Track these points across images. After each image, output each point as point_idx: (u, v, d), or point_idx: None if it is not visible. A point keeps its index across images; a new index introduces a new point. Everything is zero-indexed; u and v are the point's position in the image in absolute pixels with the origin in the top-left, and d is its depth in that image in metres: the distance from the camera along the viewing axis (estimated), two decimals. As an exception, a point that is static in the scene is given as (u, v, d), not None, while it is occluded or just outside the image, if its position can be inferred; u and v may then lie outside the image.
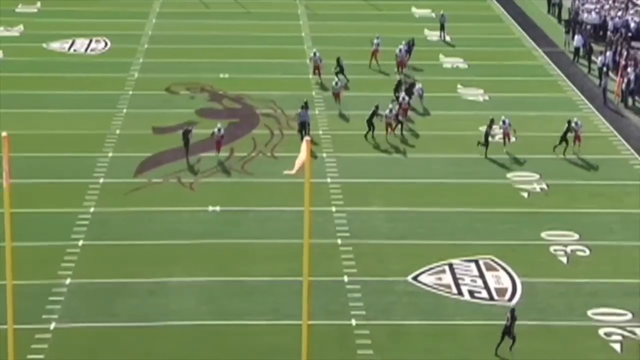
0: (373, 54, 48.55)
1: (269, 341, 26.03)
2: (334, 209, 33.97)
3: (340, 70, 45.88)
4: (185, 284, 28.86)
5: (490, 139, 38.38)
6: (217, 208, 33.81)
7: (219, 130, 37.59)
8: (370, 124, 39.50)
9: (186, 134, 37.51)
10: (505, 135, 38.82)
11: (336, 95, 42.66)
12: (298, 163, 20.26)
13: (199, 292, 28.49)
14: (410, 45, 48.95)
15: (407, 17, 58.31)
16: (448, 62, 50.22)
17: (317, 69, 46.28)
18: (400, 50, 47.77)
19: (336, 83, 43.32)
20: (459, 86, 46.59)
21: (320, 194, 33.82)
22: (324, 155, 38.46)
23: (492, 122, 39.00)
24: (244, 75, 47.42)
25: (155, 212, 33.48)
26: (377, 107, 39.64)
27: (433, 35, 54.11)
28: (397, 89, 43.34)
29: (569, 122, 38.57)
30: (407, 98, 41.33)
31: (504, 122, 38.85)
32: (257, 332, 26.49)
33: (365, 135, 39.50)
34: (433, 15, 57.92)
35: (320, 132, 40.50)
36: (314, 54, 46.67)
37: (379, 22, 56.50)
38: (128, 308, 27.45)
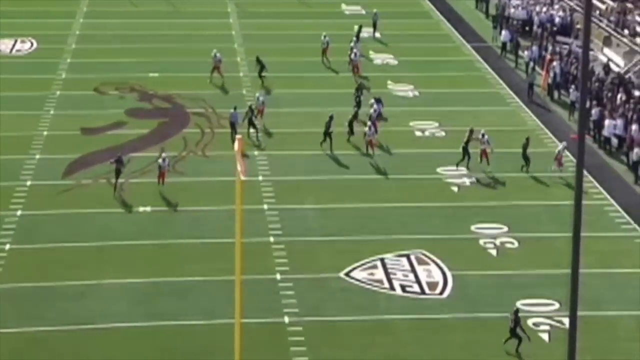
0: (323, 52, 48.59)
1: (202, 341, 26.01)
2: (266, 206, 34.04)
3: (261, 69, 45.71)
4: (116, 286, 28.67)
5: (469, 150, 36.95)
6: (148, 208, 33.63)
7: (164, 160, 35.09)
8: (327, 134, 38.50)
9: (118, 163, 34.81)
10: (483, 152, 36.91)
11: (260, 111, 41.00)
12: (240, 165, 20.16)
13: (131, 293, 28.33)
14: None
15: (337, 15, 58.52)
16: (378, 58, 50.55)
17: (216, 68, 45.61)
18: (355, 54, 47.54)
19: (261, 102, 41.29)
20: (389, 82, 46.95)
21: (252, 192, 33.75)
22: (256, 153, 38.46)
23: (471, 132, 37.30)
24: (174, 74, 47.14)
25: (85, 213, 33.17)
26: (331, 118, 38.77)
27: (363, 32, 54.39)
28: (357, 93, 42.67)
29: (527, 139, 37.43)
30: (379, 109, 40.71)
31: (483, 135, 37.11)
32: (190, 333, 26.44)
33: (320, 144, 38.49)
34: (363, 12, 58.26)
35: (251, 130, 40.44)
36: (215, 54, 45.80)
37: (310, 20, 56.64)
38: (58, 312, 27.18)
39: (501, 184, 36.26)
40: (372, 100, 41.16)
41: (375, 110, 40.31)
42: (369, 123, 38.83)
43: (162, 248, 30.94)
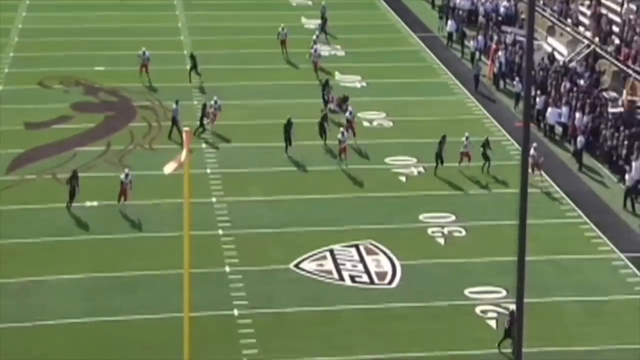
0: (282, 44, 48.16)
1: (151, 336, 25.81)
2: (214, 199, 33.88)
3: (193, 65, 44.66)
4: (63, 282, 28.34)
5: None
6: (95, 203, 33.29)
7: (127, 176, 32.80)
8: (287, 140, 37.31)
9: (72, 180, 32.69)
10: (465, 154, 36.11)
11: (213, 115, 39.60)
12: (176, 160, 19.96)
13: (77, 289, 28.01)
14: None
15: (283, 6, 58.38)
16: (325, 50, 50.49)
17: (144, 67, 44.65)
18: (315, 50, 46.96)
19: (218, 106, 39.67)
20: (336, 73, 46.96)
21: (200, 185, 33.66)
22: (203, 146, 38.25)
23: (443, 138, 36.11)
24: (120, 67, 46.70)
25: (29, 209, 32.73)
26: (290, 123, 37.54)
27: (310, 23, 54.33)
28: (324, 90, 41.86)
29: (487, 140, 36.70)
30: (351, 112, 38.95)
31: (467, 138, 36.20)
32: (139, 328, 26.24)
33: (286, 150, 37.31)
34: (310, 3, 58.18)
35: (198, 123, 40.19)
36: (143, 52, 44.81)
37: (256, 11, 56.45)
38: (3, 309, 26.77)
39: (448, 173, 36.44)
40: (349, 107, 39.58)
41: (350, 113, 38.91)
42: (341, 129, 37.39)
43: (108, 243, 30.64)
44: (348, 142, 36.54)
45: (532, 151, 34.15)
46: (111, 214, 32.64)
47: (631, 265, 29.67)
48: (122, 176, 32.78)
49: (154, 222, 32.01)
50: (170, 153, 36.08)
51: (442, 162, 35.83)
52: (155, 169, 35.42)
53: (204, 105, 39.15)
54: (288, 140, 37.31)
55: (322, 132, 38.08)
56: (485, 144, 36.52)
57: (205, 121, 38.67)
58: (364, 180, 35.73)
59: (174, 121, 38.49)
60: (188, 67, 45.03)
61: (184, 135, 20.15)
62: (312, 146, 38.21)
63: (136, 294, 27.83)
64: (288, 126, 37.41)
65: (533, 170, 34.40)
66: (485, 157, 36.28)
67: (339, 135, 36.37)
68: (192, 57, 45.21)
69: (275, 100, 43.08)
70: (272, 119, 40.07)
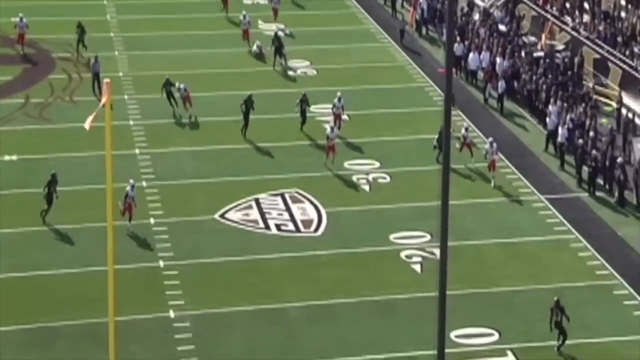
0: (244, 33, 45.29)
1: (76, 289, 25.46)
2: (137, 151, 33.39)
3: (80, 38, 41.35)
4: (-16, 238, 27.78)
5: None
6: (14, 157, 32.53)
7: (132, 188, 28.46)
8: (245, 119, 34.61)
9: (53, 184, 28.85)
10: (468, 145, 32.75)
11: (188, 99, 36.04)
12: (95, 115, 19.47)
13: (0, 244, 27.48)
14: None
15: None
16: (268, 29, 49.26)
17: (20, 37, 41.47)
18: (244, 17, 44.61)
19: (183, 88, 36.03)
20: (260, 22, 46.42)
21: (123, 137, 33.07)
22: (126, 97, 37.59)
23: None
24: (38, 18, 45.40)
25: (-52, 165, 31.95)
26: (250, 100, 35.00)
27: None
28: (302, 105, 35.62)
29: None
30: (342, 107, 35.06)
31: (466, 129, 33.27)
32: (63, 282, 25.87)
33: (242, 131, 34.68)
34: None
35: (121, 74, 39.50)
36: (20, 19, 41.59)
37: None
38: None
39: (372, 121, 36.46)
40: (339, 94, 35.28)
41: (337, 108, 34.90)
42: (330, 124, 33.58)
43: (30, 197, 29.98)
44: (335, 140, 32.52)
45: (463, 131, 32.78)
46: (31, 167, 31.96)
47: (551, 207, 30.12)
48: (128, 188, 28.37)
49: (76, 175, 31.42)
50: (91, 105, 35.47)
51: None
52: (77, 122, 34.77)
53: (168, 93, 35.88)
54: (246, 119, 34.54)
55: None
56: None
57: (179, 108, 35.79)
58: (288, 129, 35.51)
59: (96, 77, 37.60)
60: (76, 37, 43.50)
61: (103, 88, 19.67)
62: (234, 95, 37.82)
63: (59, 248, 27.40)
64: (249, 103, 34.68)
65: (461, 149, 32.41)
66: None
67: (328, 131, 32.44)
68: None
69: (192, 50, 42.50)
70: (193, 69, 39.60)
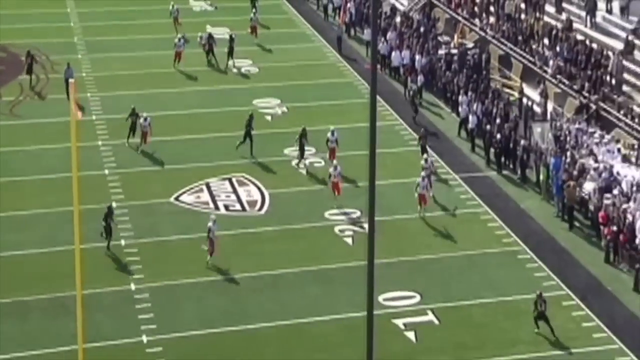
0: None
1: (47, 267, 24.97)
2: (100, 143, 32.79)
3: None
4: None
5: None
6: (-12, 150, 31.82)
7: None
8: (248, 134, 32.10)
9: (109, 216, 26.18)
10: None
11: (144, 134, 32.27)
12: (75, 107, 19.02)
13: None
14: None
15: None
16: (197, 5, 49.29)
17: None
18: (174, 8, 43.81)
19: (147, 123, 32.00)
20: (207, 26, 45.90)
21: (87, 131, 32.44)
22: (89, 95, 36.87)
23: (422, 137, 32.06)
24: (6, 25, 44.31)
25: None
26: (251, 117, 32.48)
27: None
28: (301, 140, 31.66)
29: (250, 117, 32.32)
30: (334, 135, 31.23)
31: (426, 160, 29.46)
32: (32, 261, 25.35)
33: (237, 147, 31.78)
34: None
35: (84, 74, 38.75)
36: None
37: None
38: None
39: (308, 112, 36.28)
40: (332, 128, 31.41)
41: (331, 142, 31.30)
42: (334, 162, 29.47)
43: (1, 185, 29.28)
44: (340, 176, 28.74)
45: (329, 134, 30.20)
46: (3, 159, 31.17)
47: (464, 185, 30.30)
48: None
49: (45, 165, 30.75)
50: (58, 103, 34.79)
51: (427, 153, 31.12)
52: (45, 117, 34.19)
53: (133, 123, 32.45)
54: (248, 134, 31.99)
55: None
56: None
57: (137, 139, 32.02)
58: (234, 120, 35.12)
59: (66, 82, 36.24)
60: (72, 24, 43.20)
61: (70, 86, 19.25)
62: (188, 92, 37.43)
63: (28, 230, 26.80)
64: (250, 120, 32.26)
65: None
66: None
67: (331, 169, 28.63)
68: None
69: (152, 52, 41.87)
70: (150, 69, 38.97)
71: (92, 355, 20.23)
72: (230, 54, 40.53)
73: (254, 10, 44.38)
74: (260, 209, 28.70)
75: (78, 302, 18.67)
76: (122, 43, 42.85)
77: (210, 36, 41.26)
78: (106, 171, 30.58)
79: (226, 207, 28.70)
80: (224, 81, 38.85)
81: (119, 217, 27.51)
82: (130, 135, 32.31)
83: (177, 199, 29.05)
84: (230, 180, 30.42)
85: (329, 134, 31.13)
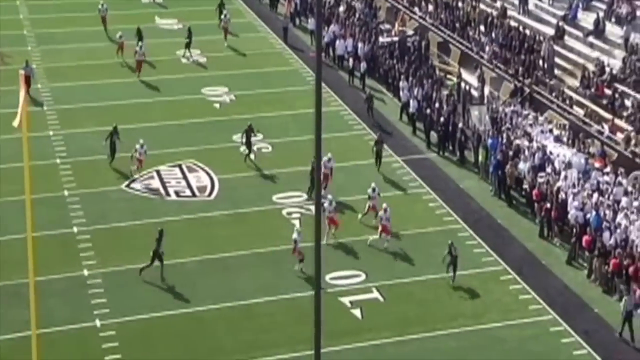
0: (102, 20, 43.25)
1: (1, 255, 24.39)
2: (51, 132, 32.13)
3: None
4: None
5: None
6: (-60, 142, 30.92)
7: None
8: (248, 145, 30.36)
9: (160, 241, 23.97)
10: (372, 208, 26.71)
11: (139, 161, 29.28)
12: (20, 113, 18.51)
13: None
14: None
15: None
16: (145, -3, 48.57)
17: None
18: (139, 47, 38.00)
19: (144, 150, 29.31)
20: (156, 17, 45.28)
21: (38, 121, 31.75)
22: (39, 86, 36.08)
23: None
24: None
25: None
26: (250, 128, 30.73)
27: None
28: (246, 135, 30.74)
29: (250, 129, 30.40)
30: (330, 162, 28.18)
31: (373, 188, 26.82)
32: (-13, 249, 24.76)
33: (245, 159, 30.22)
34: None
35: (34, 65, 37.82)
36: None
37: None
38: None
39: (255, 100, 36.00)
40: (326, 197, 26.14)
41: (326, 166, 27.87)
42: (329, 196, 26.08)
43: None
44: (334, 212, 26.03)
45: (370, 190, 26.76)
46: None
47: (406, 167, 30.35)
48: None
49: (-3, 156, 30.10)
50: (9, 94, 33.91)
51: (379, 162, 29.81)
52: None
53: (112, 143, 29.72)
54: (247, 144, 30.40)
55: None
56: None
57: (133, 167, 29.14)
58: (183, 109, 34.77)
59: (28, 80, 34.85)
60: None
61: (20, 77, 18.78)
62: (132, 83, 36.82)
63: (-19, 220, 26.21)
64: (248, 131, 30.60)
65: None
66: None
67: (325, 203, 25.50)
68: None
69: (100, 43, 41.15)
70: (99, 60, 38.35)
71: (46, 340, 19.83)
72: (188, 45, 39.89)
73: (224, 13, 42.63)
74: (210, 194, 28.41)
75: (31, 289, 18.24)
76: (70, 35, 42.03)
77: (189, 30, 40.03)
78: (57, 160, 29.98)
79: (176, 193, 28.35)
80: (173, 70, 38.31)
81: (71, 204, 27.05)
82: (110, 156, 29.62)
83: (128, 186, 28.61)
84: (180, 166, 30.05)
85: (325, 158, 27.57)
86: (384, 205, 25.74)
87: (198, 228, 26.28)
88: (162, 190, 28.42)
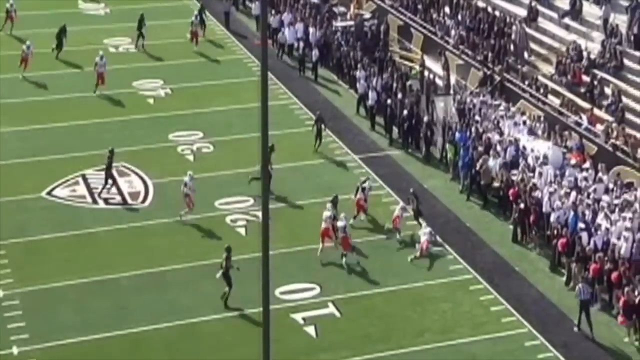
0: (8, 18, 41.86)
1: None
2: (-41, 135, 31.82)
3: None
4: None
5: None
6: None
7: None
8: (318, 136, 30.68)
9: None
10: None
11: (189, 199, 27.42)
12: None
13: None
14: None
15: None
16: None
17: None
18: (100, 59, 36.25)
19: None
20: (79, 2, 44.96)
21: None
22: (-54, 81, 35.68)
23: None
24: None
25: None
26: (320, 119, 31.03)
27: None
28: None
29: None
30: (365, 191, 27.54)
31: (363, 185, 27.50)
32: None
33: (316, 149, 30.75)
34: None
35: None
36: None
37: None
38: None
39: (194, 93, 35.96)
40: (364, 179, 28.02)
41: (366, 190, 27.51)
42: (342, 215, 25.77)
43: None
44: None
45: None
46: None
47: (364, 165, 30.52)
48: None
49: None
50: None
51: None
52: None
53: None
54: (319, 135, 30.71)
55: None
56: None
57: (183, 212, 27.23)
58: (113, 105, 34.59)
59: None
60: None
61: None
62: (59, 75, 36.57)
63: None
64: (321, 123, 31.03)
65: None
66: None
67: (324, 212, 25.79)
68: None
69: (24, 31, 40.80)
70: (10, 51, 37.94)
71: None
72: (141, 34, 39.68)
73: (195, 15, 41.41)
74: (144, 200, 28.31)
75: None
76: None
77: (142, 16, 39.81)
78: (-32, 166, 29.67)
79: (106, 201, 28.19)
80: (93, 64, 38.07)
81: (-17, 216, 26.76)
82: (104, 186, 28.63)
83: (49, 193, 28.37)
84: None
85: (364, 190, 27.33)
86: (342, 214, 25.62)
87: (131, 239, 26.16)
88: (88, 198, 28.24)
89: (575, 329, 22.49)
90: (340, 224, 25.47)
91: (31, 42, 36.83)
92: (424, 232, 25.76)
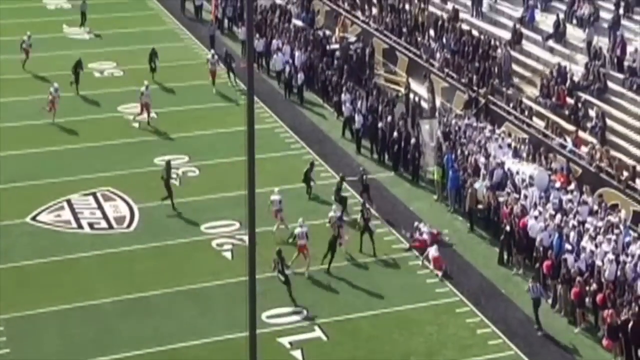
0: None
1: None
2: (-57, 159, 31.81)
3: None
4: None
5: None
6: None
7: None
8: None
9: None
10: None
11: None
12: None
13: None
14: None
15: None
16: (52, 3, 48.36)
17: None
18: (145, 89, 35.51)
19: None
20: (64, 26, 45.16)
21: None
22: None
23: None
24: None
25: None
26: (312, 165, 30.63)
27: None
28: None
29: None
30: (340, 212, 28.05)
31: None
32: None
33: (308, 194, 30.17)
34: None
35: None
36: None
37: None
38: None
39: (179, 117, 36.09)
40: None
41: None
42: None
43: None
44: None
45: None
46: None
47: (349, 188, 30.55)
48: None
49: None
50: None
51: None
52: None
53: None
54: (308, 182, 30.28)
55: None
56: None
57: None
58: (98, 130, 34.68)
59: None
60: None
61: None
62: (41, 100, 36.66)
63: None
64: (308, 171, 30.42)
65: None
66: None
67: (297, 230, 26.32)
68: None
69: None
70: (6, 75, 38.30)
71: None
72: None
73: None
74: (129, 225, 28.34)
75: None
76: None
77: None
78: (-48, 191, 29.65)
79: (91, 226, 28.21)
80: (85, 87, 38.17)
81: (-33, 242, 26.73)
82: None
83: (34, 218, 28.38)
84: (94, 195, 29.95)
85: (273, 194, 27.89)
86: (300, 219, 26.29)
87: (116, 264, 26.16)
88: (73, 223, 28.25)
89: (539, 333, 23.22)
90: (298, 230, 26.09)
91: (58, 85, 35.75)
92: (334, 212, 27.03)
